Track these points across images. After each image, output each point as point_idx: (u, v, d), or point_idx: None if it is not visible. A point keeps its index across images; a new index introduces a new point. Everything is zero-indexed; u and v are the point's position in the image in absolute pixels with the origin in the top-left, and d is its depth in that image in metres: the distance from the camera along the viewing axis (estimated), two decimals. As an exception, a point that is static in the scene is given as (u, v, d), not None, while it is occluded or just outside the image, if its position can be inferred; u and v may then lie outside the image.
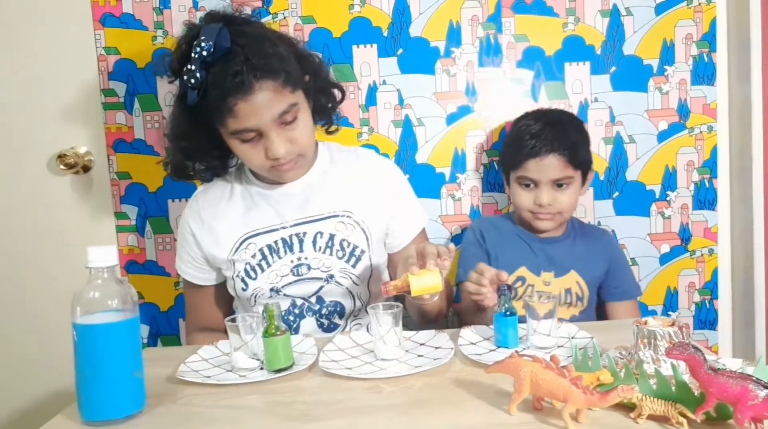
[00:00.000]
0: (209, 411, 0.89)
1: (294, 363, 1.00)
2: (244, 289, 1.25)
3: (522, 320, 1.06)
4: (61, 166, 1.56)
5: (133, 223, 1.62)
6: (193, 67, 1.09)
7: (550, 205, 1.40)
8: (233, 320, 1.01)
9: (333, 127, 1.36)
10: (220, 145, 1.23)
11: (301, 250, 1.25)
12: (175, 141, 1.25)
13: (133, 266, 1.63)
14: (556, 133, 1.39)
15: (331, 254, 1.25)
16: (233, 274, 1.26)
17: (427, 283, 1.02)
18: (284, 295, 1.25)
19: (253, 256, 1.24)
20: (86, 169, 1.59)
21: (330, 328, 1.27)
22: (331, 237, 1.25)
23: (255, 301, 1.26)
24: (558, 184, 1.40)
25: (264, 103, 1.12)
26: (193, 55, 1.09)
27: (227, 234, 1.26)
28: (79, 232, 1.60)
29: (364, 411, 0.86)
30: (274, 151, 1.16)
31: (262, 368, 1.00)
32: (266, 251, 1.25)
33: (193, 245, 1.29)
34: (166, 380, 1.00)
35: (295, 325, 1.26)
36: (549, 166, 1.39)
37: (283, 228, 1.25)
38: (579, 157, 1.41)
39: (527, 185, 1.42)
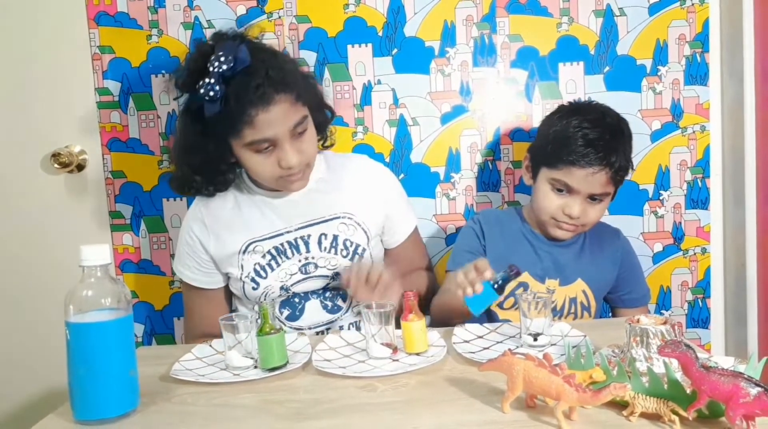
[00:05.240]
0: (203, 409, 0.89)
1: (288, 361, 1.00)
2: (254, 289, 1.28)
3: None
4: (56, 165, 1.55)
5: (128, 222, 1.61)
6: (212, 81, 1.13)
7: (578, 217, 1.29)
8: (228, 318, 1.01)
9: (329, 142, 1.42)
10: (227, 159, 1.26)
11: (308, 251, 1.29)
12: (183, 156, 1.27)
13: (128, 265, 1.62)
14: (614, 146, 1.27)
15: (336, 253, 1.29)
16: (242, 276, 1.28)
17: (414, 338, 1.03)
18: (293, 293, 1.29)
19: (263, 257, 1.27)
20: (80, 167, 1.59)
21: (333, 309, 1.32)
22: (335, 238, 1.30)
23: (264, 299, 1.29)
24: (592, 197, 1.30)
25: (281, 115, 1.17)
26: (211, 69, 1.13)
27: (234, 240, 1.29)
28: (73, 231, 1.59)
29: (358, 409, 0.86)
30: (288, 161, 1.20)
31: (256, 367, 1.01)
32: (274, 252, 1.28)
33: (200, 250, 1.31)
34: (160, 379, 1.01)
35: (300, 306, 1.30)
36: (595, 180, 1.26)
37: (288, 232, 1.29)
38: (625, 174, 1.30)
39: (559, 190, 1.30)
